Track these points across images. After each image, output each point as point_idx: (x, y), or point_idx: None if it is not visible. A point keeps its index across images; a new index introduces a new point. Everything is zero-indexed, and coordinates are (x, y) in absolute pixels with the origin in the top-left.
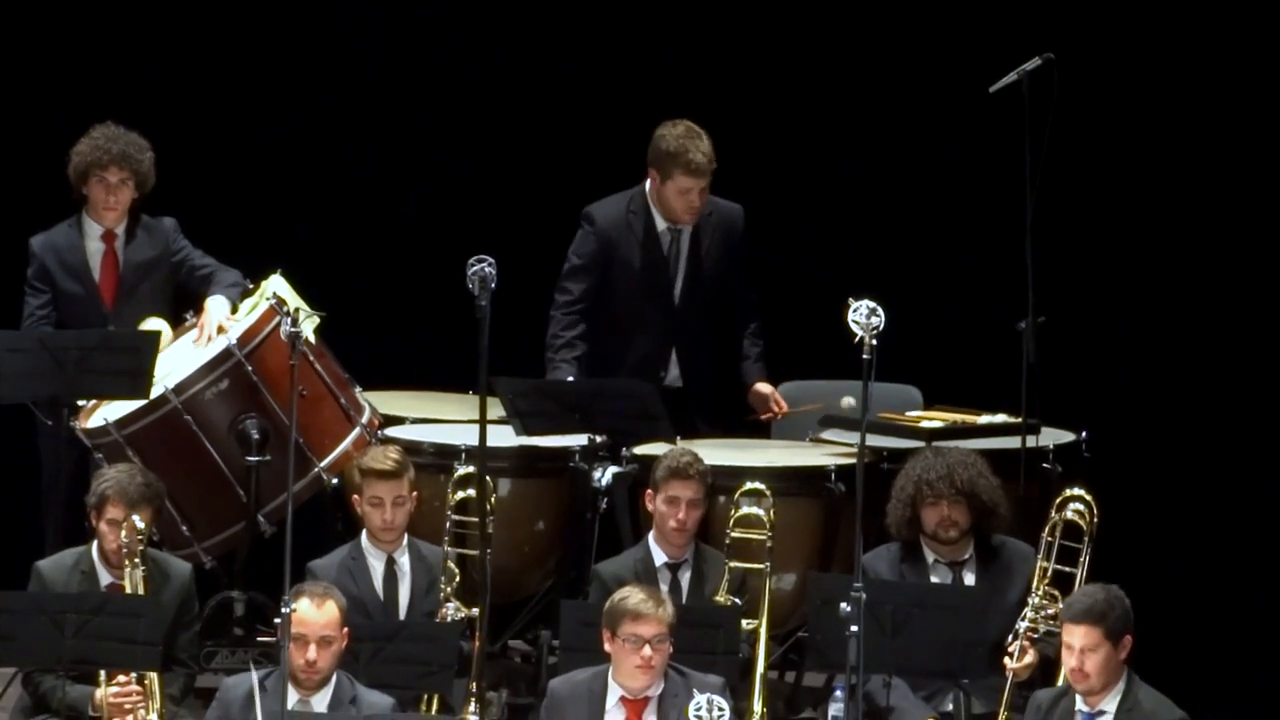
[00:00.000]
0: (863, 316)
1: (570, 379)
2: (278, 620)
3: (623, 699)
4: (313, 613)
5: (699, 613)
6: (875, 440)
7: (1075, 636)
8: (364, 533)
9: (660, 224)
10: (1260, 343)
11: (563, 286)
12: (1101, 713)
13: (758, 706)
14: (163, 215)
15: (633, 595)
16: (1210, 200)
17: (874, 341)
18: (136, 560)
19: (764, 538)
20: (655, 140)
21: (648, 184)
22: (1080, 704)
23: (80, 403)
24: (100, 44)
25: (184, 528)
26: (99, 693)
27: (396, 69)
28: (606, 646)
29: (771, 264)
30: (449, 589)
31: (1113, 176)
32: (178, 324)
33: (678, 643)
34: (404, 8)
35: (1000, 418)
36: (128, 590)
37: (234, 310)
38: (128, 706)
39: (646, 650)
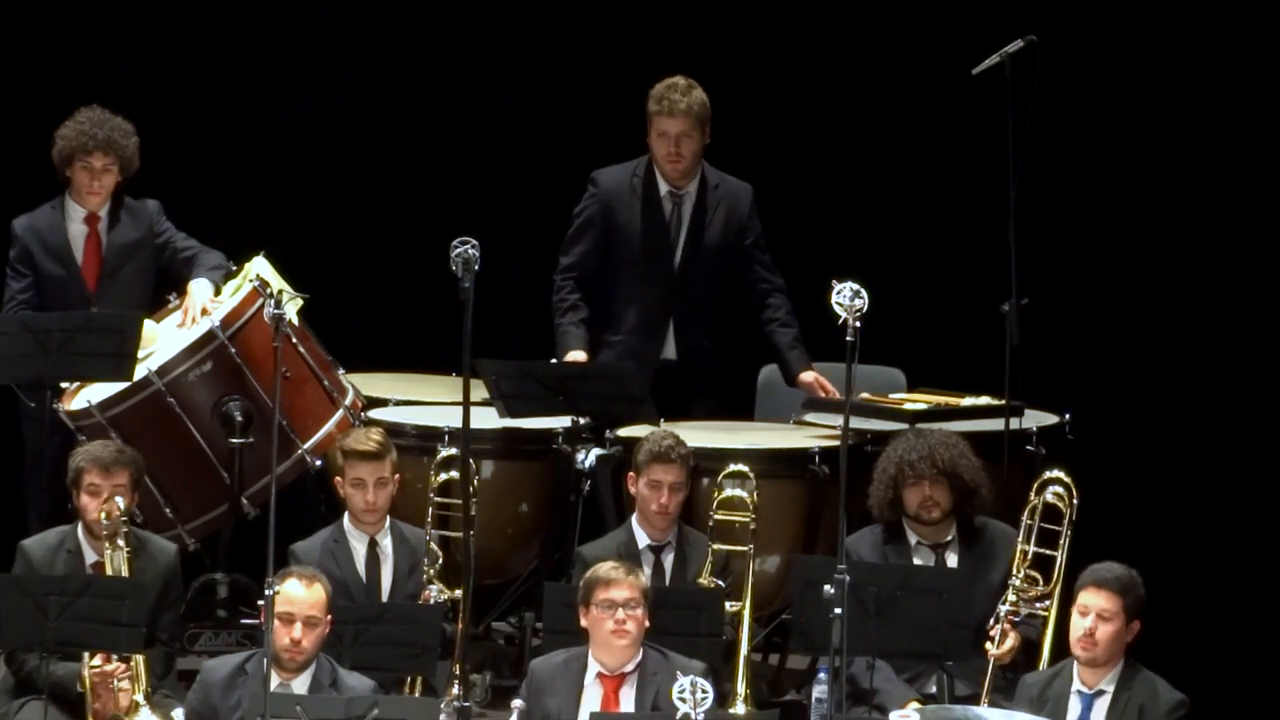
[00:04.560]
0: (846, 299)
1: (574, 351)
2: (261, 602)
3: (600, 675)
4: (300, 592)
5: (682, 595)
6: (859, 423)
7: (1095, 599)
8: (346, 515)
9: (663, 188)
10: (1244, 324)
11: (565, 248)
12: (1101, 692)
13: (741, 689)
14: (146, 197)
15: (602, 565)
16: (1193, 182)
17: (858, 324)
18: (119, 542)
19: (747, 520)
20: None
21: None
22: (1077, 683)
23: (63, 385)
24: (84, 25)
25: (167, 510)
26: (85, 671)
27: (380, 49)
28: (583, 622)
29: None
30: (432, 571)
31: (1095, 158)
32: (161, 306)
33: (661, 625)
34: None
35: (984, 400)
36: (110, 571)
37: (217, 292)
38: (112, 686)
39: (620, 613)
